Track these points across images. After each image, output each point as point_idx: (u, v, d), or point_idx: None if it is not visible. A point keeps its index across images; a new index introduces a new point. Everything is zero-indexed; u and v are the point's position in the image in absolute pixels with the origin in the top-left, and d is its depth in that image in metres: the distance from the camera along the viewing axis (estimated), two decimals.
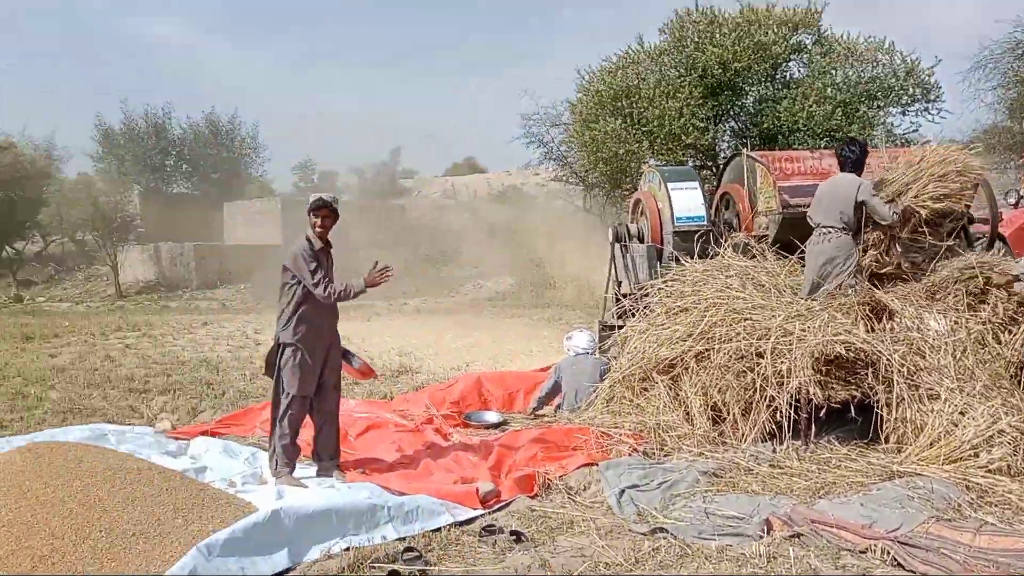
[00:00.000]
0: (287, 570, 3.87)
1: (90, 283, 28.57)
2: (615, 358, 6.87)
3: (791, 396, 5.43)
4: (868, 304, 5.91)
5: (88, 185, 28.37)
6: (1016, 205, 8.63)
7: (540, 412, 6.94)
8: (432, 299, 19.37)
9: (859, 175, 6.29)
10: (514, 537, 4.21)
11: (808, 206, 6.55)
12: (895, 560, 3.72)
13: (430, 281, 22.32)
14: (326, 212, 5.26)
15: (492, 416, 6.75)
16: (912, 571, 3.64)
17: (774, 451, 5.41)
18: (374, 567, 3.92)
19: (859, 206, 6.16)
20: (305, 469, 5.42)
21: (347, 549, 4.07)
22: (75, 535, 3.71)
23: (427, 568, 3.89)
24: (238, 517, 4.09)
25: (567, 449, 5.60)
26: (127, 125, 34.70)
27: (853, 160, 6.31)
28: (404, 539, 4.26)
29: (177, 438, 6.25)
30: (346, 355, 5.57)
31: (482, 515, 4.64)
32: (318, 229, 5.25)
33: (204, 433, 6.32)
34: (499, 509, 4.75)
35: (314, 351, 5.24)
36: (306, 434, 5.79)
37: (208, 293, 25.64)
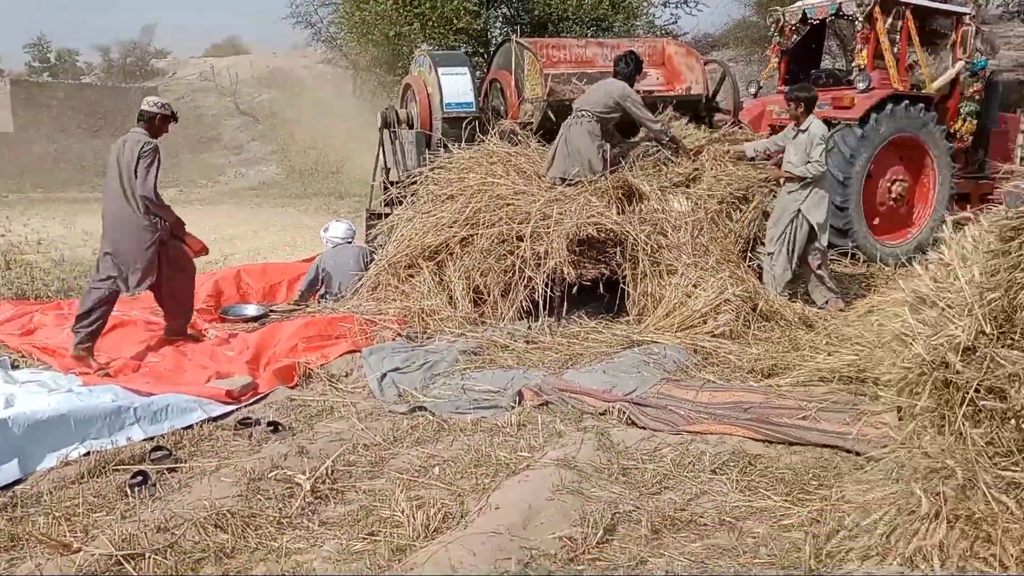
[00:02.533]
0: (18, 481, 3.62)
1: None
2: (382, 246, 6.80)
3: (547, 276, 5.70)
4: (621, 187, 6.28)
5: None
6: (756, 95, 9.42)
7: (303, 304, 6.75)
8: (188, 190, 17.91)
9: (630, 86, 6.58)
10: (271, 427, 4.15)
11: (573, 93, 6.75)
12: (629, 419, 4.11)
13: (186, 170, 20.61)
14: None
15: (251, 309, 6.46)
16: (643, 427, 4.03)
17: (529, 328, 5.70)
18: (118, 469, 3.72)
19: (615, 106, 6.42)
20: (36, 374, 4.94)
21: (87, 454, 3.86)
22: None
23: (177, 465, 3.75)
24: None
25: (330, 338, 5.52)
26: None
27: (626, 74, 6.58)
28: (152, 439, 4.08)
29: None
30: None
31: (237, 409, 4.51)
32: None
33: None
34: (256, 402, 4.65)
35: None
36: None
37: None
